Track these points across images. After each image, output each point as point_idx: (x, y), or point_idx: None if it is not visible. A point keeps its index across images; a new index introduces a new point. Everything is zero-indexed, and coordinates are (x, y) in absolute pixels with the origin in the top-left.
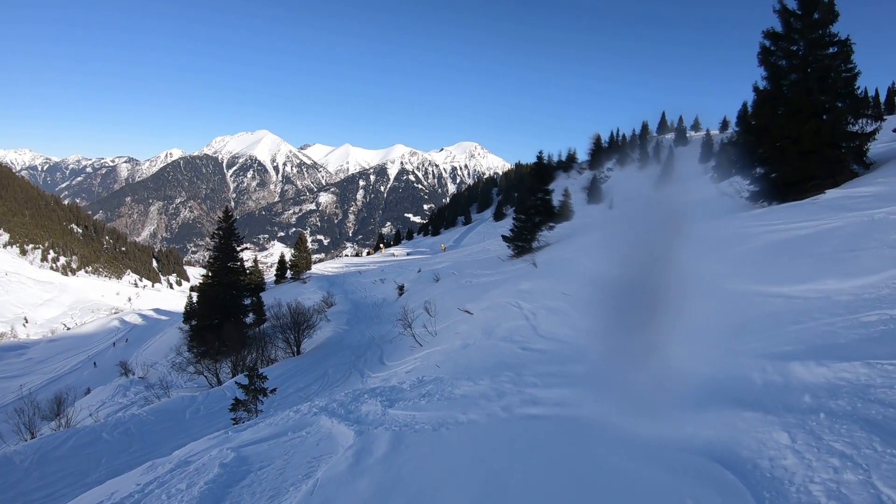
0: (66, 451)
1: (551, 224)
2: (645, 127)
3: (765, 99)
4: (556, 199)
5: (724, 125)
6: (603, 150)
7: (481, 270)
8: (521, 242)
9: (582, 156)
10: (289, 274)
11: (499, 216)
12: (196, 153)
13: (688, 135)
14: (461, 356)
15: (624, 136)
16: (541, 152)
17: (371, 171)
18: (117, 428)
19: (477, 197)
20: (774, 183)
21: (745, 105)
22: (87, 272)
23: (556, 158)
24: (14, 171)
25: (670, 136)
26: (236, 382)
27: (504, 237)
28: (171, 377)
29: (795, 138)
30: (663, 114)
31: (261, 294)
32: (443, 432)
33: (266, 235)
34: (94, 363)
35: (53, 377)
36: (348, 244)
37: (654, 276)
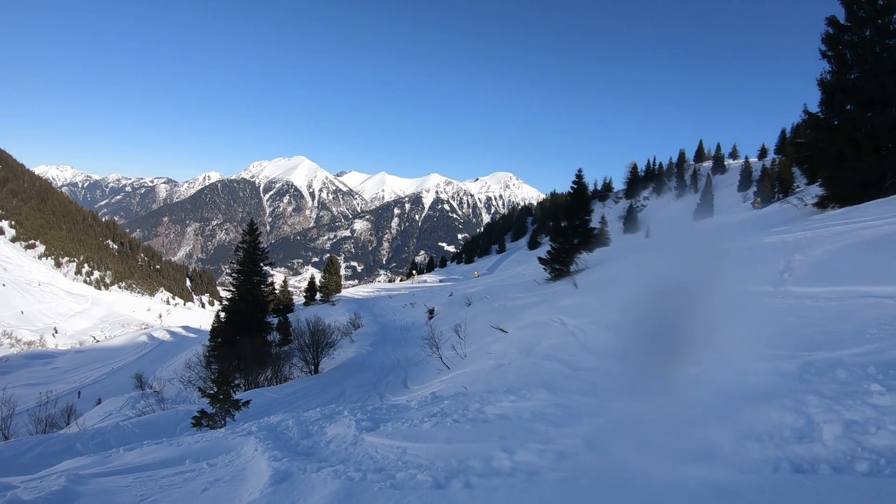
0: (31, 458)
1: (589, 249)
2: (682, 155)
3: (832, 91)
4: (594, 227)
5: (763, 153)
6: (639, 179)
7: (517, 293)
8: (559, 265)
9: (618, 185)
10: (318, 296)
11: (533, 245)
12: (233, 177)
13: (726, 163)
14: (494, 376)
15: (661, 164)
16: (580, 171)
17: (406, 199)
18: (95, 438)
19: (511, 226)
20: (846, 184)
21: (783, 131)
22: (120, 287)
23: (591, 188)
24: (54, 185)
25: (708, 164)
26: (200, 390)
27: (541, 259)
28: (186, 392)
29: (870, 133)
30: (700, 142)
31: (288, 315)
32: (456, 491)
33: (300, 260)
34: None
35: (76, 386)
36: (382, 271)
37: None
